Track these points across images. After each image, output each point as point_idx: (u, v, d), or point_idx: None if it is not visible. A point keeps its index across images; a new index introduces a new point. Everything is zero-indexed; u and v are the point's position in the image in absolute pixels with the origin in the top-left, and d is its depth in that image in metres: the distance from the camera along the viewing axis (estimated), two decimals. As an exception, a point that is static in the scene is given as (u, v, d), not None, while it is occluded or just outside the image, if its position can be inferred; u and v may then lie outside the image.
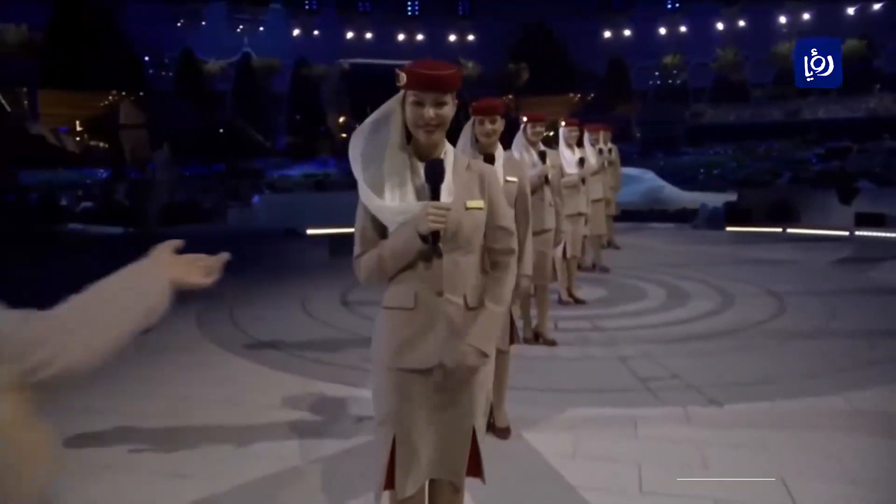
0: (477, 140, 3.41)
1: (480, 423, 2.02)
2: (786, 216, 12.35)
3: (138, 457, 3.31)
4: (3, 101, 35.34)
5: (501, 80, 45.12)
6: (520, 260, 3.46)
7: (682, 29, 46.21)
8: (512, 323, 3.43)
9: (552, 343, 5.06)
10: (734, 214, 12.75)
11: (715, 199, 14.37)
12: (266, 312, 6.25)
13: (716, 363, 4.63)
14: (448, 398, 1.95)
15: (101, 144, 32.58)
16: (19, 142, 28.60)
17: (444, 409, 1.95)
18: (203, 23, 38.17)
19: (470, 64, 44.05)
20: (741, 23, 44.10)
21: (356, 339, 5.18)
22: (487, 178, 1.97)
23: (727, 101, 41.28)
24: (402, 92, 1.89)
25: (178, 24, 37.24)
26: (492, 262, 2.00)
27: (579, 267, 7.74)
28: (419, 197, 1.88)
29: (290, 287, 7.42)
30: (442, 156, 1.93)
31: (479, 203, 1.94)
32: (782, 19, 42.16)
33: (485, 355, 1.91)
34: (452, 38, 44.85)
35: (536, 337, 5.14)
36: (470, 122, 3.41)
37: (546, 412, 3.80)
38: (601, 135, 8.71)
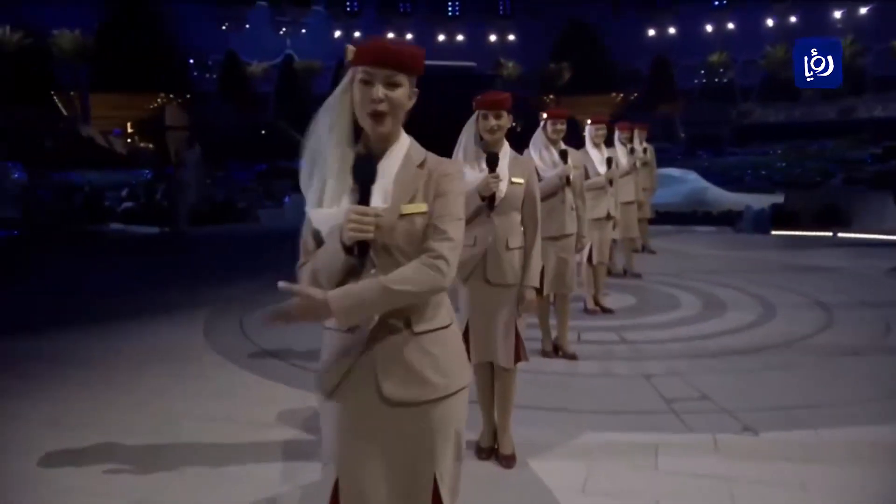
0: (481, 137, 3.09)
1: (445, 470, 1.65)
2: (836, 219, 11.61)
3: (112, 479, 3.08)
4: (59, 105, 36.44)
5: (542, 80, 44.53)
6: (525, 269, 3.13)
7: (730, 26, 44.84)
8: (518, 338, 3.10)
9: (572, 357, 4.69)
10: (781, 217, 12.08)
11: (761, 201, 13.70)
12: (278, 318, 6.01)
13: (752, 383, 4.19)
14: (399, 437, 1.61)
15: (149, 146, 33.25)
16: (70, 144, 29.37)
17: (395, 450, 1.61)
18: (247, 25, 38.63)
19: (510, 64, 43.64)
20: (793, 18, 42.49)
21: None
22: (437, 174, 1.61)
23: (777, 100, 39.84)
24: (350, 72, 1.58)
25: (223, 27, 37.76)
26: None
27: (610, 273, 7.34)
28: (352, 201, 1.54)
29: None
30: (386, 152, 1.61)
31: (421, 207, 1.58)
32: (837, 14, 40.47)
33: (327, 312, 1.49)
34: (493, 38, 44.42)
35: (556, 350, 4.78)
36: (473, 118, 3.09)
37: (557, 436, 3.44)
38: (636, 134, 8.26)
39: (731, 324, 5.54)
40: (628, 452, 3.26)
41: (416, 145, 1.66)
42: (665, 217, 13.47)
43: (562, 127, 4.41)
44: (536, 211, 3.08)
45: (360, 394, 1.58)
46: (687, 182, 19.07)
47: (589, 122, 5.74)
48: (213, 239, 12.07)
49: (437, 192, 1.59)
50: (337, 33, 41.08)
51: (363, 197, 1.52)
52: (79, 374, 4.55)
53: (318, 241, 1.61)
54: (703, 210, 14.93)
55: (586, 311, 5.90)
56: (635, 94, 47.42)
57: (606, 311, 5.95)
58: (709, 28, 45.37)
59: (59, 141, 28.91)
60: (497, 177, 2.97)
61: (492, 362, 3.15)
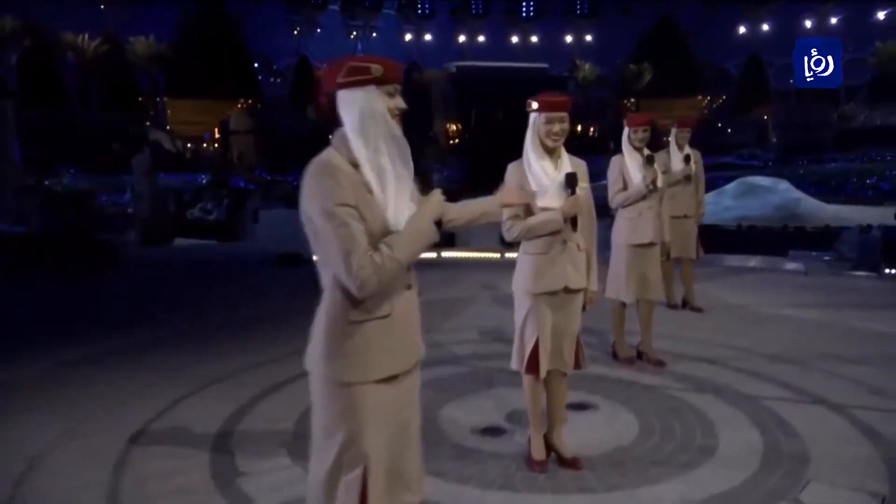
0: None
1: None
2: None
3: None
4: (149, 110, 36.32)
5: (623, 83, 40.65)
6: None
7: (833, 21, 39.27)
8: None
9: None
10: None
11: (867, 215, 10.58)
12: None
13: None
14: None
15: (210, 149, 32.32)
16: (136, 147, 28.71)
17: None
18: (318, 30, 37.08)
19: (587, 66, 40.03)
20: (909, 11, 36.49)
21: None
22: None
23: (888, 101, 34.21)
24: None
25: (295, 32, 36.40)
26: None
27: (615, 356, 4.41)
28: None
29: (129, 378, 4.64)
30: None
31: None
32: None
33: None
34: (569, 38, 40.90)
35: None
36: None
37: None
38: (674, 134, 5.25)
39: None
40: None
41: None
42: (748, 236, 10.41)
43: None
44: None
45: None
46: (777, 192, 15.84)
47: (534, 106, 2.85)
48: (149, 262, 9.82)
49: None
50: (408, 36, 38.97)
51: None
52: None
53: None
54: (794, 225, 11.60)
55: (529, 463, 3.02)
56: (724, 97, 42.75)
57: (567, 463, 3.00)
58: (808, 24, 39.96)
59: (126, 144, 28.28)
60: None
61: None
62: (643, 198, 4.12)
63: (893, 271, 7.94)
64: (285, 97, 36.48)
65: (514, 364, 2.99)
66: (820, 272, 7.84)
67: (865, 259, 8.29)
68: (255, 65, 35.30)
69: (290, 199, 16.51)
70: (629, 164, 4.13)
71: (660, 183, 4.11)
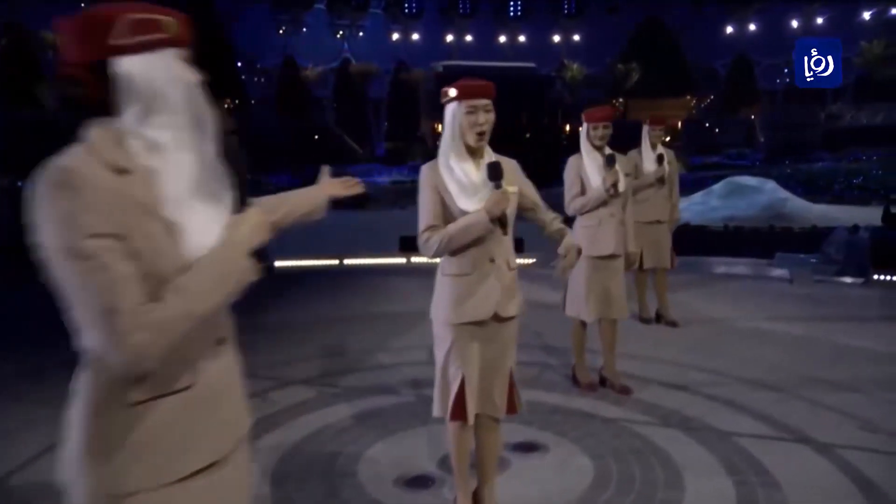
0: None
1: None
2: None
3: None
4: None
5: (610, 82, 40.23)
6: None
7: (819, 21, 38.94)
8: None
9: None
10: (887, 250, 7.97)
11: (854, 214, 10.53)
12: None
13: None
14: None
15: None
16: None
17: None
18: (304, 29, 36.41)
19: (575, 66, 39.56)
20: (894, 10, 36.19)
21: None
22: None
23: (874, 101, 33.99)
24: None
25: (281, 31, 35.72)
26: None
27: (575, 381, 3.89)
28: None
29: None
30: None
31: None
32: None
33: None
34: (557, 38, 40.41)
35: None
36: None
37: None
38: (646, 132, 4.73)
39: None
40: None
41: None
42: (735, 237, 10.16)
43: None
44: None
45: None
46: (764, 192, 16.06)
47: (450, 93, 2.32)
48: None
49: None
50: (395, 36, 38.34)
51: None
52: None
53: None
54: (781, 225, 11.35)
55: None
56: (711, 97, 42.45)
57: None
58: (794, 24, 39.63)
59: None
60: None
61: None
62: (604, 204, 3.59)
63: (881, 277, 7.48)
64: (270, 97, 35.88)
65: (437, 410, 2.45)
66: (805, 280, 7.33)
67: (853, 261, 7.85)
68: (239, 64, 34.59)
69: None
70: (588, 165, 3.60)
71: (621, 187, 3.58)
